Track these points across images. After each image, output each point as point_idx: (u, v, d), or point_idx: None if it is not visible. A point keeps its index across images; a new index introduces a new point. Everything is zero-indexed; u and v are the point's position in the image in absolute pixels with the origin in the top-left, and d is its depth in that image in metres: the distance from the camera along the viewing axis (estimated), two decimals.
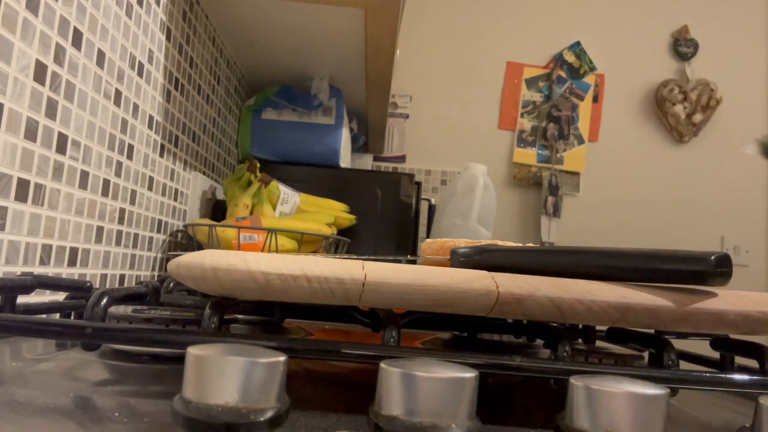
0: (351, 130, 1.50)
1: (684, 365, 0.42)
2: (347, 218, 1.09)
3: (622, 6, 2.03)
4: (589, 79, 2.00)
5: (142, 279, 0.80)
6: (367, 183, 1.20)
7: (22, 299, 0.38)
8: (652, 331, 0.41)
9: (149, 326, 0.34)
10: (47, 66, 0.54)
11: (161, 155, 0.84)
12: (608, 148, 1.98)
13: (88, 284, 0.44)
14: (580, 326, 0.46)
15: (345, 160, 1.30)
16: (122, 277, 0.73)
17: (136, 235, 0.77)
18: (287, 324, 0.48)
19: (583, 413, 0.21)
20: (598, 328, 0.46)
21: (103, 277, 0.68)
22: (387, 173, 1.71)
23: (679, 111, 1.95)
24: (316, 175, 1.20)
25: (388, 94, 1.31)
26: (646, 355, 0.45)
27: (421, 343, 0.47)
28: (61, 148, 0.57)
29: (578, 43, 2.00)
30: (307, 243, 0.90)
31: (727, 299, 0.33)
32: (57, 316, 0.48)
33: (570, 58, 1.99)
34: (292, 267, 0.28)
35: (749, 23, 2.04)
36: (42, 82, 0.53)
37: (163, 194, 0.86)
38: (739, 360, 0.42)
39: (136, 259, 0.77)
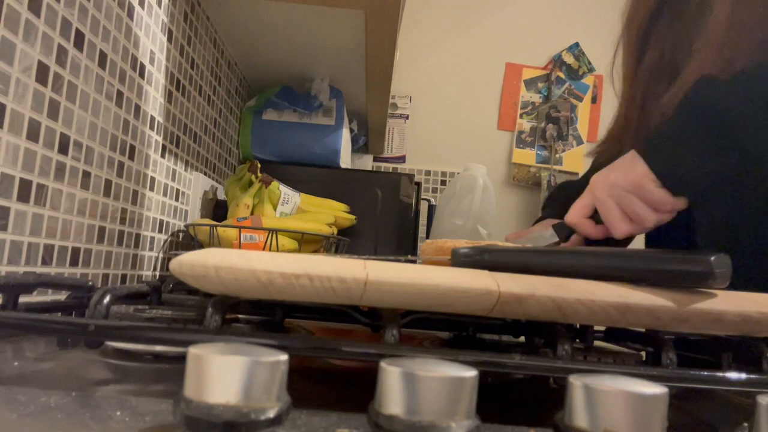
0: (351, 130, 1.50)
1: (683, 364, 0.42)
2: (347, 218, 1.09)
3: (621, 7, 2.03)
4: (588, 80, 2.00)
5: (143, 279, 0.80)
6: (367, 183, 1.20)
7: (24, 298, 0.38)
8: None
9: (151, 324, 0.34)
10: (49, 67, 0.54)
11: (162, 156, 0.84)
12: None
13: (90, 284, 0.44)
14: (578, 326, 0.46)
15: (345, 160, 1.30)
16: (124, 276, 0.74)
17: (137, 235, 0.77)
18: (288, 324, 0.48)
19: (582, 412, 0.21)
20: (596, 328, 0.46)
21: (105, 276, 0.69)
22: (387, 173, 1.72)
23: None
24: (317, 176, 1.20)
25: (388, 95, 1.31)
26: (644, 354, 0.45)
27: (421, 342, 0.47)
28: (63, 149, 0.57)
29: (577, 45, 2.00)
30: (307, 243, 0.90)
31: (726, 299, 0.33)
32: (59, 315, 0.48)
33: (569, 59, 2.00)
34: (295, 266, 0.28)
35: None
36: (44, 83, 0.53)
37: (165, 194, 0.86)
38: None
39: (137, 259, 0.77)
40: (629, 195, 0.57)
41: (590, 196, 0.60)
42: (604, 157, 0.76)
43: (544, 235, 0.66)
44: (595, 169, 0.80)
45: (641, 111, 0.71)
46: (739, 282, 0.36)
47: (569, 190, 0.86)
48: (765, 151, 0.54)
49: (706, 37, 0.60)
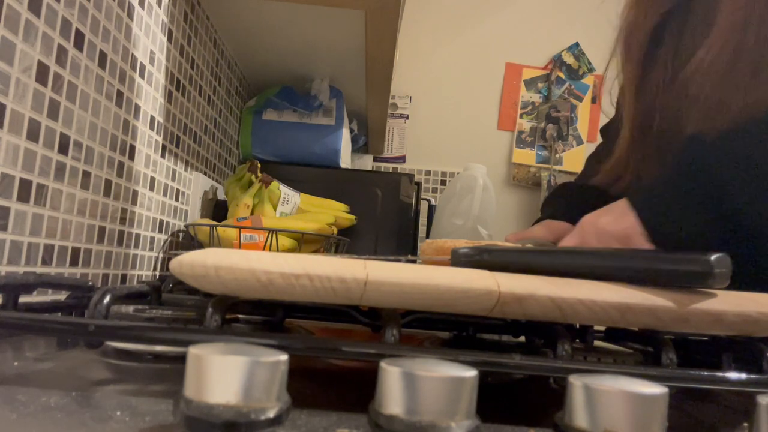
0: (351, 130, 1.50)
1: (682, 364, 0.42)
2: (347, 218, 1.09)
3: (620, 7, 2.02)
4: (588, 80, 2.00)
5: (143, 279, 0.80)
6: (367, 183, 1.20)
7: (24, 298, 0.38)
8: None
9: (151, 324, 0.34)
10: (49, 67, 0.54)
11: (162, 156, 0.84)
12: None
13: (90, 284, 0.44)
14: (578, 326, 0.46)
15: (345, 160, 1.30)
16: (123, 276, 0.74)
17: (137, 235, 0.77)
18: (288, 324, 0.48)
19: (582, 412, 0.21)
20: (596, 328, 0.46)
21: (105, 276, 0.69)
22: (387, 173, 1.72)
23: None
24: (317, 176, 1.20)
25: (388, 95, 1.31)
26: (644, 354, 0.45)
27: (421, 342, 0.47)
28: (63, 149, 0.57)
29: (577, 45, 2.00)
30: (307, 243, 0.90)
31: (726, 300, 0.33)
32: (59, 315, 0.48)
33: (569, 59, 2.00)
34: (295, 266, 0.28)
35: None
36: (44, 83, 0.53)
37: (165, 194, 0.86)
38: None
39: (137, 259, 0.77)
40: (616, 244, 0.56)
41: (579, 237, 0.60)
42: (610, 177, 0.73)
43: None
44: (594, 175, 0.78)
45: (658, 131, 0.67)
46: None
47: (569, 191, 0.86)
48: (755, 220, 0.52)
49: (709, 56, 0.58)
